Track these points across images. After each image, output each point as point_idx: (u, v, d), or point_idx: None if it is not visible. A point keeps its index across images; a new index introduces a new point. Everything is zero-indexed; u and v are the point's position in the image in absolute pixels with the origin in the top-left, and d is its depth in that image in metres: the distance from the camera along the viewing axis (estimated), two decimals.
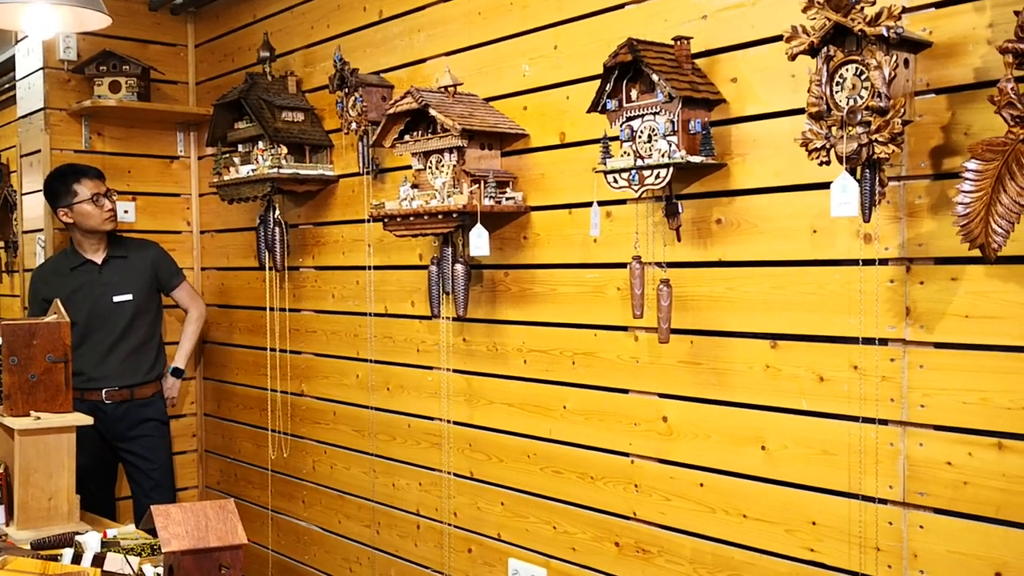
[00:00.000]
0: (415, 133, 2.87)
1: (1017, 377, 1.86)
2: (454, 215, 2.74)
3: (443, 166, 2.80)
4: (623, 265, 2.51)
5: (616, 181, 2.34)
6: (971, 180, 1.74)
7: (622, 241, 2.56)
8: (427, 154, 2.85)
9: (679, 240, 2.41)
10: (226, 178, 3.66)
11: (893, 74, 1.82)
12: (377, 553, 3.53)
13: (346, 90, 3.28)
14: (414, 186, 2.90)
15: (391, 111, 2.87)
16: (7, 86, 5.53)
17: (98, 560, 2.28)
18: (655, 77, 2.22)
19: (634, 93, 2.32)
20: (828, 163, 1.92)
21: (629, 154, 2.30)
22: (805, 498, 2.21)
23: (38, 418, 2.71)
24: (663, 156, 2.23)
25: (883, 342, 2.05)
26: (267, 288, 3.92)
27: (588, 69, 2.63)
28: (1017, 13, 1.69)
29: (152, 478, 3.99)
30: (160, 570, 2.18)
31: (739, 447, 2.34)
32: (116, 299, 3.89)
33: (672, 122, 2.24)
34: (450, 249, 2.91)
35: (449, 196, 2.74)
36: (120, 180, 4.26)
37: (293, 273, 3.86)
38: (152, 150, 4.43)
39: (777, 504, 2.26)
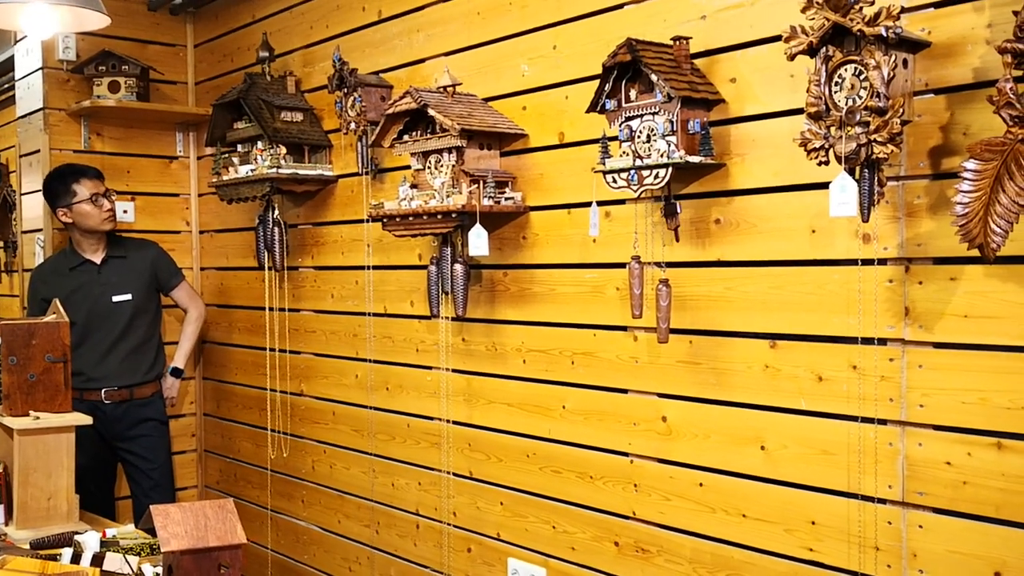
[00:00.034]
0: (414, 133, 2.87)
1: (1016, 377, 1.86)
2: (453, 215, 2.74)
3: (442, 166, 2.80)
4: (622, 265, 2.51)
5: (615, 181, 2.34)
6: (970, 180, 1.74)
7: (621, 241, 2.56)
8: (426, 154, 2.85)
9: (677, 240, 2.41)
10: (225, 178, 3.66)
11: (892, 74, 1.82)
12: (376, 553, 3.53)
13: (345, 90, 3.28)
14: (413, 186, 2.90)
15: (390, 111, 2.87)
16: (6, 86, 5.52)
17: (97, 560, 2.28)
18: (654, 77, 2.22)
19: (633, 93, 2.32)
20: (827, 163, 1.92)
21: (628, 154, 2.31)
22: (804, 498, 2.21)
23: (37, 418, 2.71)
24: (662, 156, 2.23)
25: (882, 342, 2.05)
26: (266, 288, 3.92)
27: (587, 69, 2.63)
28: (1016, 13, 1.70)
29: (151, 478, 3.99)
30: (159, 570, 2.18)
31: (738, 447, 2.34)
32: (115, 299, 3.89)
33: (671, 122, 2.24)
34: (449, 249, 2.91)
35: (448, 196, 2.74)
36: (119, 180, 4.26)
37: (292, 273, 3.86)
38: (151, 150, 4.43)
39: (776, 504, 2.27)
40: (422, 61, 3.19)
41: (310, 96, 3.66)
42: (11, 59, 4.56)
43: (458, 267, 2.88)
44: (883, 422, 2.06)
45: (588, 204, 2.48)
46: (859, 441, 2.09)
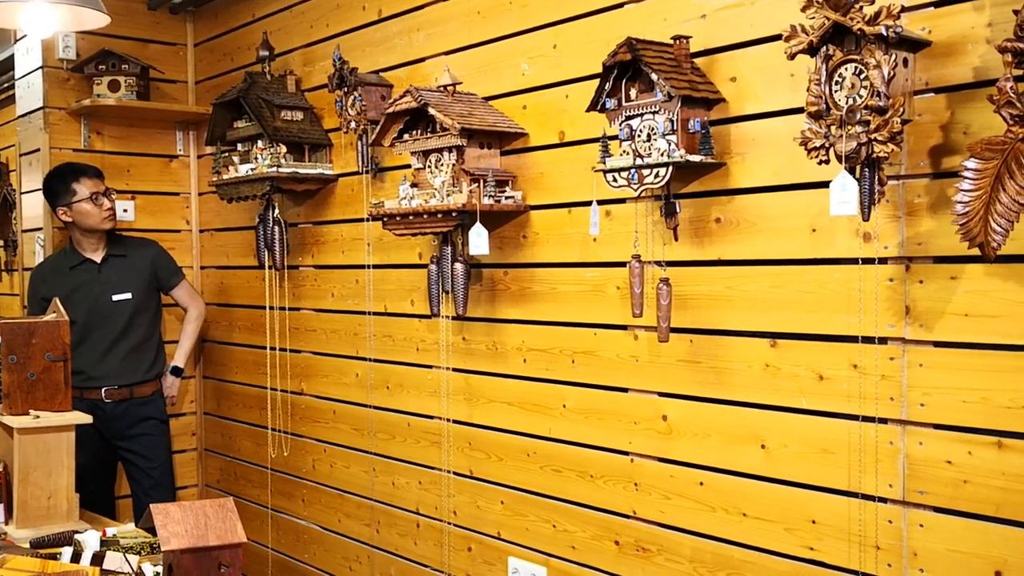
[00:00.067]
0: (414, 132, 2.87)
1: (1017, 376, 1.86)
2: (453, 214, 2.74)
3: (442, 165, 2.80)
4: (623, 264, 2.51)
5: (615, 180, 2.34)
6: (970, 179, 1.74)
7: (621, 240, 2.56)
8: (426, 153, 2.85)
9: (677, 239, 2.41)
10: (225, 177, 3.66)
11: (892, 73, 1.82)
12: (377, 552, 3.53)
13: (345, 89, 3.28)
14: (413, 185, 2.90)
15: (390, 110, 2.87)
16: (6, 85, 5.52)
17: (97, 559, 2.28)
18: (654, 76, 2.22)
19: (633, 92, 2.32)
20: (827, 162, 1.92)
21: (628, 153, 2.30)
22: (805, 497, 2.21)
23: (37, 417, 2.71)
24: (662, 155, 2.23)
25: (883, 341, 2.05)
26: (266, 287, 3.92)
27: (587, 68, 2.63)
28: (1016, 12, 1.69)
29: (151, 477, 3.98)
30: (159, 569, 2.18)
31: (739, 446, 2.34)
32: (115, 298, 3.89)
33: (671, 121, 2.24)
34: (449, 248, 2.91)
35: (448, 195, 2.74)
36: (119, 179, 4.26)
37: (292, 272, 3.86)
38: (151, 149, 4.43)
39: (777, 503, 2.27)
40: (422, 60, 3.19)
41: (310, 95, 3.66)
42: (11, 58, 4.56)
43: (458, 266, 2.88)
44: (884, 421, 2.06)
45: (588, 203, 2.48)
46: (859, 440, 2.09)
